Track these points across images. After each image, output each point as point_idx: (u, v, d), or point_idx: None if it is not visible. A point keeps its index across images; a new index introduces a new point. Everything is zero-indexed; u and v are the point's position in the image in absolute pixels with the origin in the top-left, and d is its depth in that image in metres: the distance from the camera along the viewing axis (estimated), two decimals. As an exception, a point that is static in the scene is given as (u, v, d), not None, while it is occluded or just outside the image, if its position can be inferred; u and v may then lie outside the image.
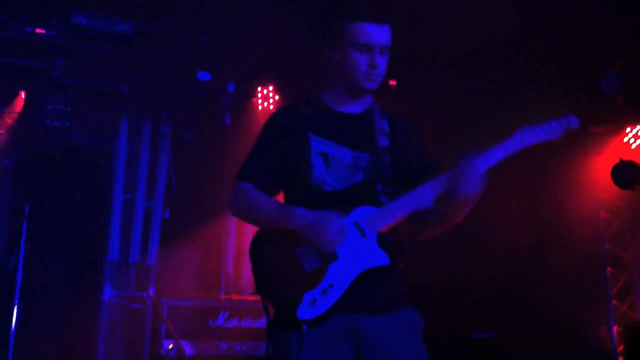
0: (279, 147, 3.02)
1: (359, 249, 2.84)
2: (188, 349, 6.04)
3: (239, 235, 8.32)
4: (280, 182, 3.05)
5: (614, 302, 8.41)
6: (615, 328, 8.23)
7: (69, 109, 7.51)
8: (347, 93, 3.07)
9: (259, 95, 8.09)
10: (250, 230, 8.38)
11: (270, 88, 8.06)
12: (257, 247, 2.94)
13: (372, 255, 2.84)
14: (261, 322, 6.43)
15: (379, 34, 2.94)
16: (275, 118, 3.12)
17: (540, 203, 8.16)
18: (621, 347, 7.97)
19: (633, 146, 8.28)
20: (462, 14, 6.38)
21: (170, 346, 6.00)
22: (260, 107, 8.07)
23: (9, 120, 7.46)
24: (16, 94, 7.39)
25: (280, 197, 3.09)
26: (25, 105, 7.45)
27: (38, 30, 6.92)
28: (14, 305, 6.19)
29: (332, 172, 2.96)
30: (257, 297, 6.48)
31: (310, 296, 2.78)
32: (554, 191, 8.26)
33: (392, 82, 7.56)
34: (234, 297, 6.59)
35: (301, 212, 2.84)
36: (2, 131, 7.41)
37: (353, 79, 2.99)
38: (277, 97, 8.06)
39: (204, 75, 7.68)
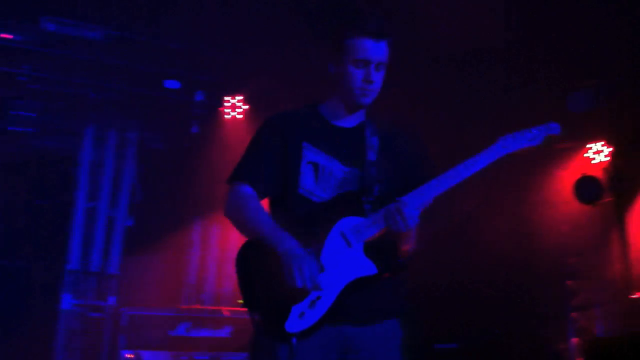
0: (273, 152, 3.03)
1: (345, 260, 2.85)
2: (147, 359, 6.00)
3: (203, 245, 8.30)
4: (273, 187, 3.04)
5: (573, 315, 8.50)
6: (574, 341, 8.33)
7: (34, 114, 7.45)
8: (343, 106, 3.10)
9: (228, 104, 8.08)
10: (215, 242, 8.45)
11: (239, 98, 8.06)
12: (243, 260, 2.93)
13: (358, 265, 2.86)
14: (222, 333, 6.42)
15: (376, 49, 2.97)
16: (271, 122, 3.13)
17: (508, 218, 8.24)
18: (580, 360, 8.07)
19: (595, 161, 8.39)
20: (443, 20, 6.46)
21: (128, 356, 5.96)
22: (228, 117, 8.07)
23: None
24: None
25: (264, 203, 3.08)
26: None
27: (5, 35, 6.84)
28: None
29: (320, 182, 2.98)
30: (219, 308, 6.51)
31: (298, 309, 2.78)
32: (520, 205, 8.34)
33: None
34: (196, 307, 6.56)
35: (291, 243, 2.82)
36: None
37: (348, 93, 3.03)
38: (245, 107, 8.06)
39: (172, 84, 7.66)
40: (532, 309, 7.97)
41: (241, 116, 8.04)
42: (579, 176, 8.25)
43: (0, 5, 6.61)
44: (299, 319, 2.78)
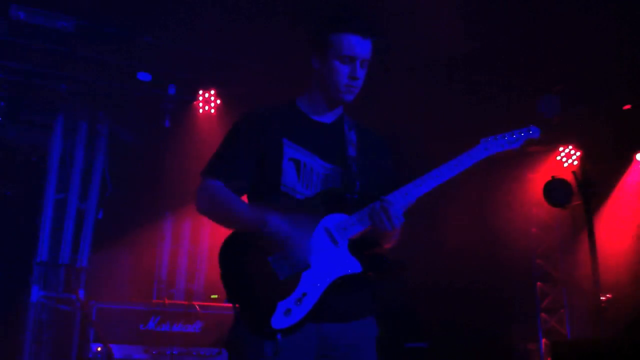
0: (251, 147, 2.99)
1: (331, 257, 2.84)
2: (117, 353, 5.90)
3: (174, 240, 8.23)
4: (248, 183, 3.00)
5: (542, 316, 8.58)
6: (543, 342, 8.41)
7: (2, 104, 7.30)
8: (324, 102, 3.08)
9: (200, 98, 8.00)
10: (187, 237, 8.37)
11: (212, 92, 7.99)
12: (228, 255, 2.88)
13: (344, 262, 2.85)
14: (193, 328, 6.35)
15: (361, 46, 2.98)
16: (248, 118, 3.08)
17: (478, 219, 8.29)
18: (548, 361, 8.13)
19: (565, 164, 8.49)
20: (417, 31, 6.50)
21: (99, 349, 5.85)
22: (201, 111, 7.99)
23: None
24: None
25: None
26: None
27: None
28: None
29: (302, 179, 2.95)
30: (190, 302, 6.44)
31: (284, 305, 2.76)
32: (491, 208, 8.40)
33: None
34: (166, 301, 6.45)
35: (276, 219, 2.79)
36: None
37: (333, 89, 3.01)
38: (218, 102, 7.99)
39: (144, 76, 7.54)
40: (502, 310, 8.03)
41: (213, 111, 7.98)
42: (549, 179, 8.32)
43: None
44: (284, 316, 2.76)
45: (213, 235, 8.01)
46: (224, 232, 2.94)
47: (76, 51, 7.18)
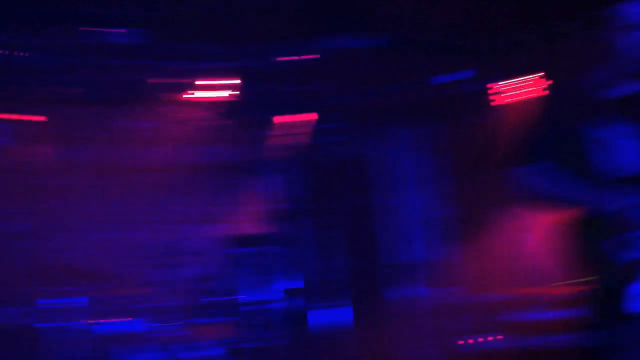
0: (559, 131, 2.85)
1: None
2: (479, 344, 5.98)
3: (529, 228, 8.21)
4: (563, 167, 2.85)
5: None
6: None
7: (337, 125, 7.94)
8: (620, 76, 2.88)
9: (521, 86, 8.03)
10: (533, 224, 8.25)
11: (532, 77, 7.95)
12: (574, 237, 2.80)
13: None
14: (558, 313, 6.20)
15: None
16: (552, 101, 3.02)
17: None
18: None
19: None
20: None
21: (471, 341, 5.94)
22: (521, 97, 8.00)
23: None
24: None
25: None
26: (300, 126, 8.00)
27: (298, 57, 7.26)
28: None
29: (613, 159, 2.77)
30: (548, 290, 6.14)
31: (636, 289, 2.60)
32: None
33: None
34: (526, 290, 6.32)
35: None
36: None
37: (628, 61, 2.82)
38: (536, 89, 7.90)
39: (458, 75, 7.76)
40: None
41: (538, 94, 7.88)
42: None
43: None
44: (637, 300, 2.60)
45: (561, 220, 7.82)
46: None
47: (388, 65, 7.53)
